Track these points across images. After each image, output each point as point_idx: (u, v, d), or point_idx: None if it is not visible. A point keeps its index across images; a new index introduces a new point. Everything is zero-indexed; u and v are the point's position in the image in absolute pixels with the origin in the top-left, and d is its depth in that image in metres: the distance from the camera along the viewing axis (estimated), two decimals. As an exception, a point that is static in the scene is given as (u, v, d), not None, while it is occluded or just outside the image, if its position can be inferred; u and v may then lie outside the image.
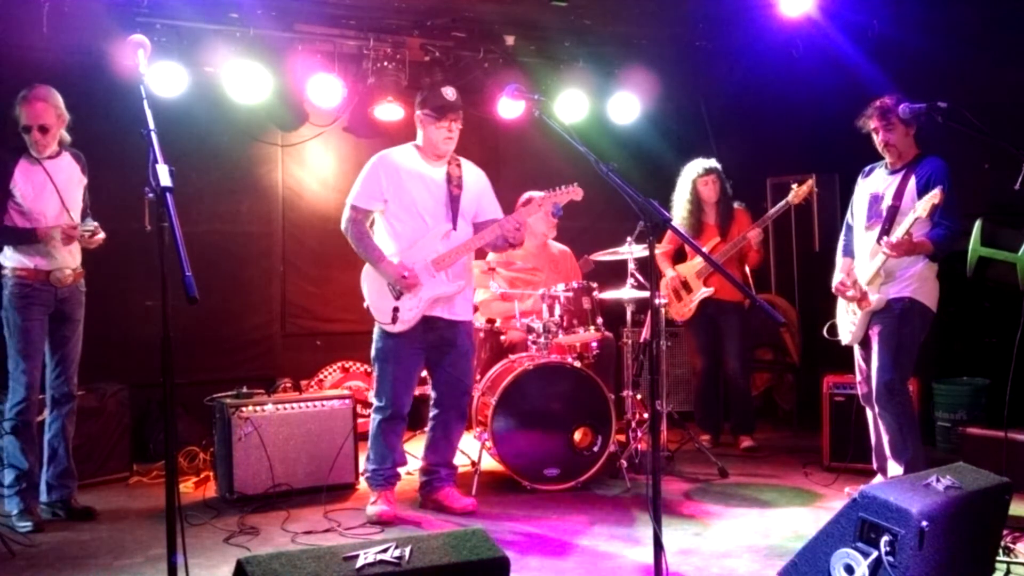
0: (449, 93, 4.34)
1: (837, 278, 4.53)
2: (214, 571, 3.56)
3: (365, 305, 4.37)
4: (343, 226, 4.37)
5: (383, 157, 4.41)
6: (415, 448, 4.92)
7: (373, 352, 4.40)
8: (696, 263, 5.77)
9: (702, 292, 5.69)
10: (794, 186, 5.47)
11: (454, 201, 4.37)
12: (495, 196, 4.58)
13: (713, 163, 5.79)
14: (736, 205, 5.84)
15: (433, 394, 4.52)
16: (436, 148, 4.37)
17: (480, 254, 5.21)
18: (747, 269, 5.91)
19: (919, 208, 4.05)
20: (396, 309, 4.25)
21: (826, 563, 2.68)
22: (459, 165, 4.47)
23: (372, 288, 4.34)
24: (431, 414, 4.52)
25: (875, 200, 4.39)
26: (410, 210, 4.33)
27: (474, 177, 4.51)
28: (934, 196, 3.99)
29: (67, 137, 4.32)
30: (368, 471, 4.40)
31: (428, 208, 4.33)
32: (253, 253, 6.41)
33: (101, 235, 4.27)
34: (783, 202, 5.50)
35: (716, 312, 5.78)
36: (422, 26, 6.18)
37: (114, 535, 4.12)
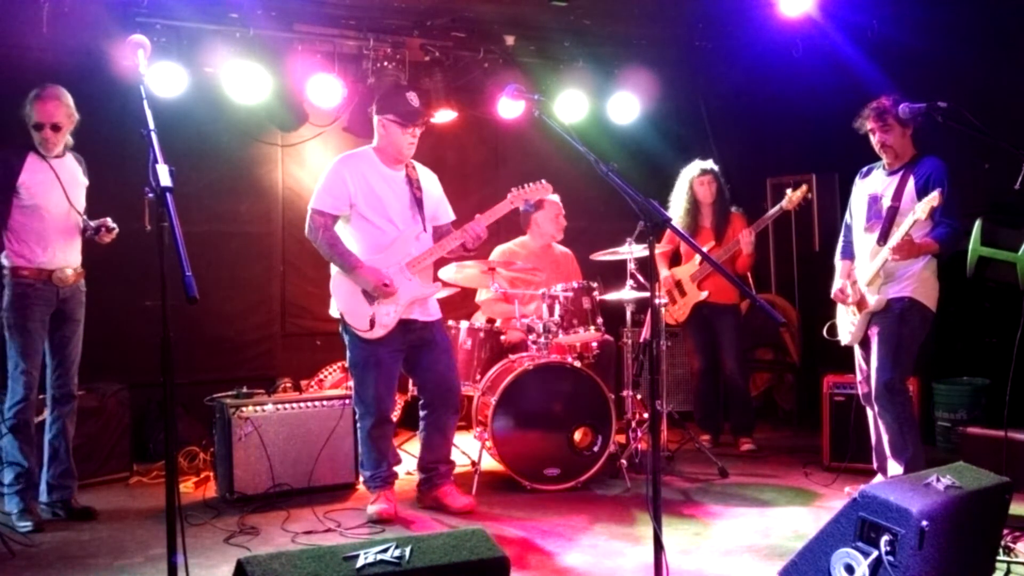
0: (414, 99, 4.31)
1: (837, 284, 4.52)
2: (214, 571, 3.56)
3: (338, 313, 4.29)
4: (307, 233, 4.29)
5: (346, 160, 4.36)
6: (412, 450, 4.92)
7: (349, 360, 4.35)
8: (692, 266, 5.78)
9: (696, 296, 5.71)
10: (788, 191, 5.49)
11: (419, 203, 4.36)
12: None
13: (710, 164, 5.80)
14: (733, 209, 5.84)
15: (420, 395, 4.50)
16: (399, 153, 4.33)
17: (483, 253, 5.22)
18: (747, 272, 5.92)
19: (918, 210, 4.04)
20: (373, 315, 4.21)
21: (826, 563, 2.68)
22: (414, 167, 4.45)
23: (345, 294, 4.27)
24: (421, 415, 4.50)
25: (874, 201, 4.39)
26: (379, 213, 4.29)
27: (429, 180, 4.51)
28: (933, 199, 3.99)
29: (70, 140, 4.33)
30: (365, 476, 4.41)
31: (396, 211, 4.30)
32: (253, 253, 6.41)
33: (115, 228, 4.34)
34: (776, 207, 5.53)
35: (711, 314, 5.79)
36: (422, 26, 6.18)
37: (114, 535, 4.12)
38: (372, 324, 4.21)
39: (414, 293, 4.27)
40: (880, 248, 4.24)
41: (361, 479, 4.47)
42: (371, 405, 4.30)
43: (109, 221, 4.30)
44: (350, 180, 4.27)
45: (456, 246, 4.36)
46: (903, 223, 4.14)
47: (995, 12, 5.49)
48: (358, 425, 4.41)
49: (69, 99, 4.23)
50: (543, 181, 4.43)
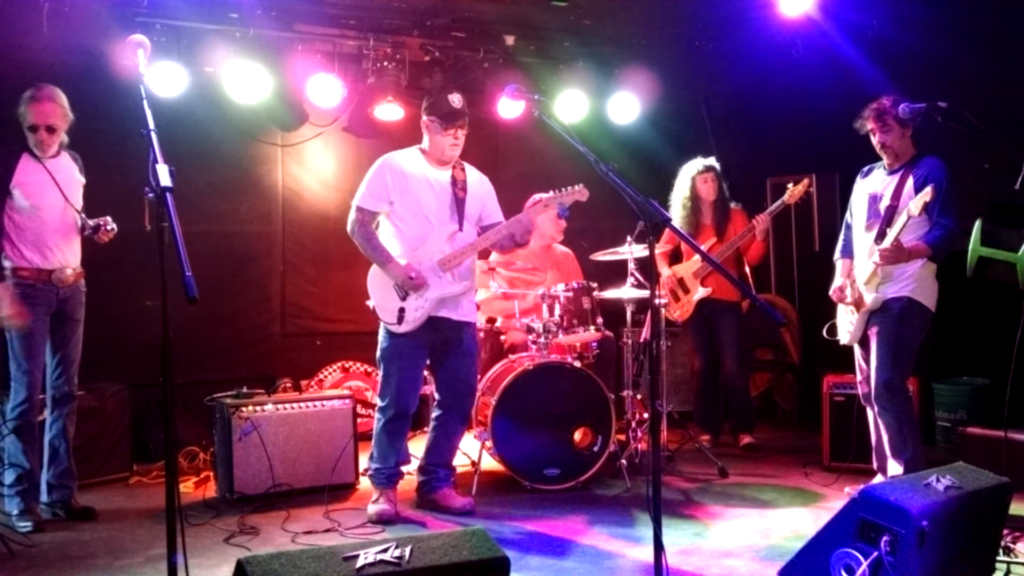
0: (456, 100, 4.34)
1: (837, 282, 4.53)
2: (214, 571, 3.56)
3: (372, 306, 4.37)
4: (349, 228, 4.38)
5: (388, 159, 4.42)
6: (416, 448, 4.92)
7: (378, 352, 4.40)
8: (693, 263, 5.77)
9: (699, 292, 5.69)
10: (790, 186, 5.48)
11: (459, 203, 4.39)
12: (497, 200, 4.60)
13: (712, 161, 5.79)
14: (733, 205, 5.84)
15: (436, 395, 4.53)
16: (442, 155, 4.38)
17: (483, 254, 5.22)
18: (747, 269, 5.90)
19: (912, 207, 4.05)
20: (402, 309, 4.26)
21: (826, 563, 2.69)
22: (463, 169, 4.49)
23: (378, 289, 4.35)
24: (433, 415, 4.52)
25: (874, 200, 4.39)
26: (415, 212, 4.34)
27: (478, 182, 4.54)
28: (926, 194, 4.00)
29: (65, 139, 4.33)
30: (371, 469, 4.40)
31: (433, 210, 4.35)
32: (253, 253, 6.41)
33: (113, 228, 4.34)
34: (779, 201, 5.51)
35: (712, 313, 5.78)
36: (422, 26, 6.18)
37: (114, 535, 4.12)
38: (400, 319, 4.25)
39: (442, 291, 4.29)
40: (877, 247, 4.25)
41: (366, 473, 4.46)
42: (390, 398, 4.33)
43: (109, 221, 4.31)
44: (390, 179, 4.34)
45: (496, 240, 4.39)
46: (897, 221, 4.14)
47: (995, 12, 5.48)
48: (376, 416, 4.43)
49: (64, 99, 4.22)
50: (581, 185, 4.41)
